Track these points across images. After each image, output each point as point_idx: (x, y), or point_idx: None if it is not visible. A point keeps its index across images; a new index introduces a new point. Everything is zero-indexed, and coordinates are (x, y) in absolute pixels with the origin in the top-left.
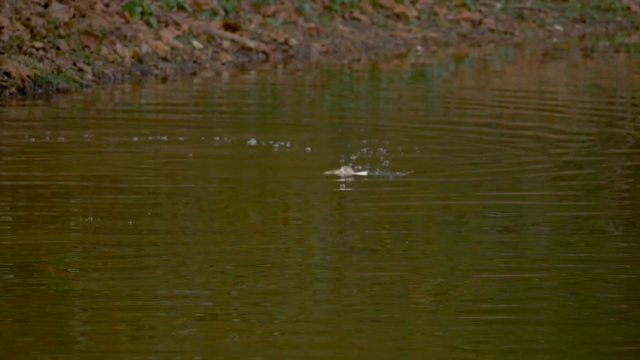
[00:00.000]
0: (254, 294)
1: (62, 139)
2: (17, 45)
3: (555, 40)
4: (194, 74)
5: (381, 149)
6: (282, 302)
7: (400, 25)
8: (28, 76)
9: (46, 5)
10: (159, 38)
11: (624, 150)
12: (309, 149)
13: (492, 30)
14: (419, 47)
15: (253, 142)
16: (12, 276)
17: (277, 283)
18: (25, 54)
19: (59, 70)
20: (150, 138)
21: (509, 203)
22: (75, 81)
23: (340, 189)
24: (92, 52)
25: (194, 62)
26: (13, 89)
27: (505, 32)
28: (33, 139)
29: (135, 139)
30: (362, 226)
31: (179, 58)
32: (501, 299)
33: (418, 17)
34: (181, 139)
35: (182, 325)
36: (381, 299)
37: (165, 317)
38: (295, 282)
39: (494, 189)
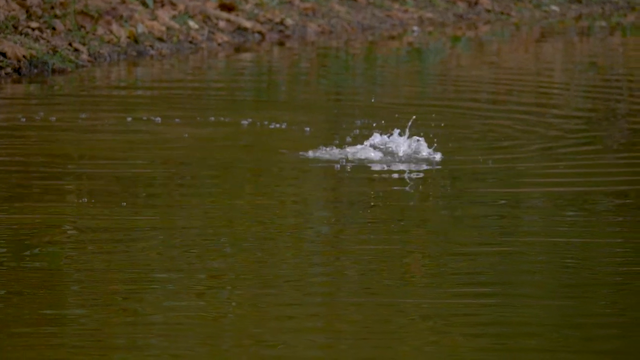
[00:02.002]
0: (249, 271)
1: (53, 119)
2: (13, 25)
3: (551, 20)
4: (190, 54)
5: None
6: (277, 278)
7: (396, 5)
8: (24, 56)
9: None
10: (154, 18)
11: (620, 127)
12: (308, 129)
13: (488, 11)
14: (415, 28)
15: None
16: (4, 250)
17: (272, 259)
18: (21, 34)
19: (54, 51)
20: (145, 118)
21: (505, 180)
22: (71, 61)
23: (336, 168)
24: (87, 32)
25: (190, 42)
26: (9, 69)
27: (502, 13)
28: (24, 119)
29: (129, 119)
30: (356, 205)
31: (174, 38)
32: (494, 273)
33: None
34: (177, 120)
35: (177, 298)
36: (375, 273)
37: (160, 290)
38: (290, 258)
39: (490, 166)
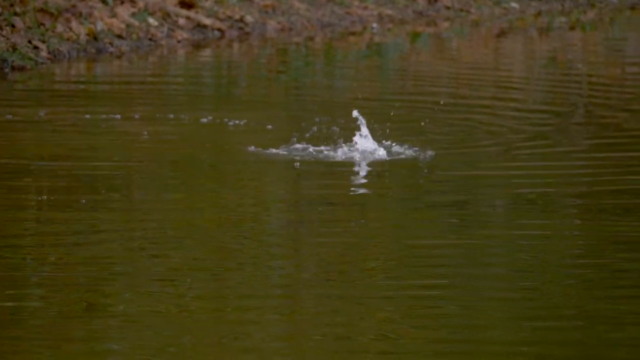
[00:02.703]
0: (209, 265)
1: (9, 116)
2: None
3: (511, 17)
4: (149, 51)
5: (334, 127)
6: (237, 271)
7: (356, 2)
8: None
9: None
10: (114, 15)
11: (579, 122)
12: (270, 126)
13: (447, 8)
14: (375, 25)
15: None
16: None
17: (232, 253)
18: None
19: (14, 48)
20: (104, 116)
21: (464, 175)
22: (30, 59)
23: (296, 166)
24: (47, 30)
25: (150, 39)
26: None
27: (461, 10)
28: None
29: (88, 116)
30: (316, 201)
31: (134, 35)
32: (453, 267)
33: None
34: (136, 116)
35: (137, 291)
36: (336, 266)
37: (120, 283)
38: (250, 250)
39: (449, 163)
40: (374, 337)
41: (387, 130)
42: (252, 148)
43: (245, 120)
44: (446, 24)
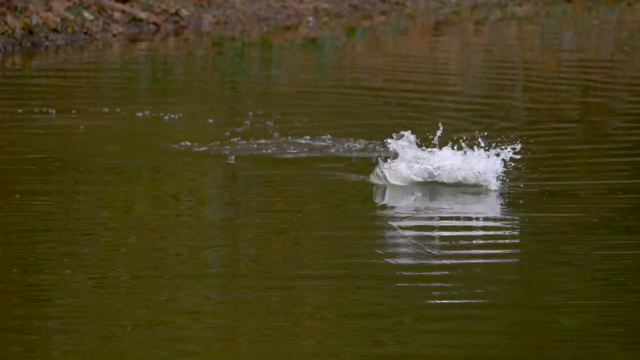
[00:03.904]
0: (144, 254)
1: None
2: None
3: (447, 10)
4: (85, 45)
5: (269, 121)
6: (172, 259)
7: None
8: None
9: None
10: (49, 9)
11: (517, 111)
12: (205, 120)
13: (383, 1)
14: (310, 18)
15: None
16: None
17: (168, 242)
18: None
19: None
20: (37, 110)
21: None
22: None
23: (230, 161)
24: None
25: (85, 33)
26: None
27: (397, 3)
28: None
29: (21, 110)
30: (252, 194)
31: (69, 29)
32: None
33: None
34: (71, 110)
35: (73, 280)
36: (271, 257)
37: (57, 273)
38: (186, 241)
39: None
40: (311, 326)
41: (329, 124)
42: (186, 143)
43: (181, 114)
44: (382, 18)
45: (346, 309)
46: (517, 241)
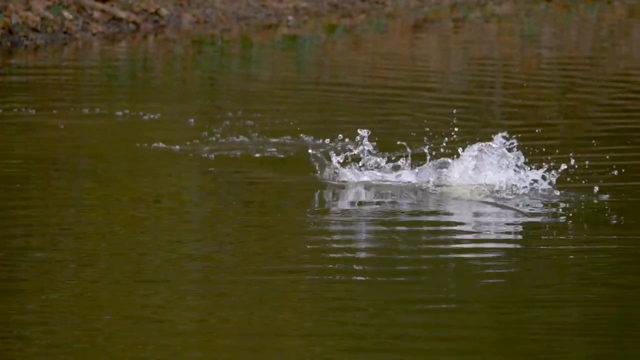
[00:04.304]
0: (123, 253)
1: None
2: None
3: (426, 9)
4: (64, 44)
5: (249, 121)
6: (151, 256)
7: None
8: None
9: None
10: (29, 9)
11: (495, 109)
12: (184, 119)
13: (363, 0)
14: (290, 17)
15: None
16: None
17: (149, 238)
18: None
19: None
20: (16, 110)
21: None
22: None
23: (209, 160)
24: None
25: (65, 32)
26: None
27: (377, 2)
28: None
29: None
30: (230, 192)
31: (49, 29)
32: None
33: None
34: (52, 110)
35: (52, 278)
36: (251, 252)
37: (36, 270)
38: (166, 237)
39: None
40: (289, 319)
41: (307, 120)
42: (166, 142)
43: (160, 113)
44: (362, 16)
45: (326, 303)
46: (496, 237)
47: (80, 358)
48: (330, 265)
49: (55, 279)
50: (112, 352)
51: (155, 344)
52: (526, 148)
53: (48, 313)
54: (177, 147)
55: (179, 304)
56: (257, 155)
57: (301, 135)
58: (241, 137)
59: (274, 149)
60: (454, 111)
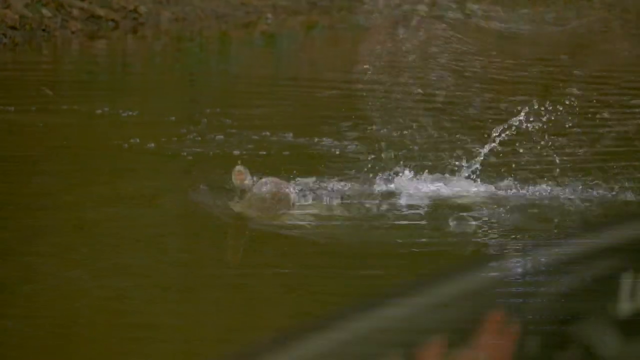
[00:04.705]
0: (103, 247)
1: None
2: None
3: (406, 7)
4: (43, 42)
5: (227, 119)
6: (129, 252)
7: None
8: None
9: None
10: (7, 6)
11: (472, 111)
12: (163, 117)
13: None
14: (269, 15)
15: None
16: None
17: (125, 234)
18: None
19: None
20: None
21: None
22: None
23: (187, 158)
24: None
25: (43, 30)
26: None
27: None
28: None
29: None
30: (208, 190)
31: (28, 26)
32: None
33: None
34: (30, 107)
35: (32, 279)
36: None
37: (17, 269)
38: (144, 233)
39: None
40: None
41: (285, 118)
42: (144, 140)
43: (139, 111)
44: (341, 14)
45: (304, 298)
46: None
47: (60, 350)
48: (311, 261)
49: (35, 275)
50: (91, 344)
51: (135, 338)
52: (503, 145)
53: (28, 307)
54: (156, 144)
55: (159, 299)
56: (236, 152)
57: (280, 132)
58: (220, 135)
59: (252, 146)
60: (430, 110)
